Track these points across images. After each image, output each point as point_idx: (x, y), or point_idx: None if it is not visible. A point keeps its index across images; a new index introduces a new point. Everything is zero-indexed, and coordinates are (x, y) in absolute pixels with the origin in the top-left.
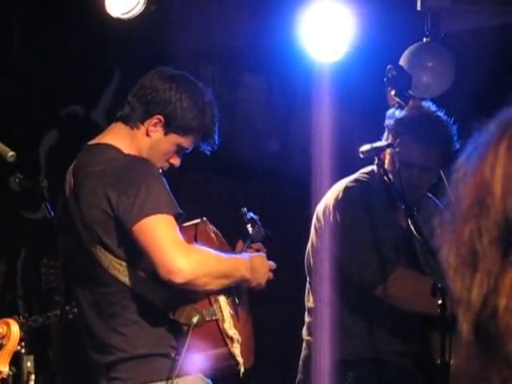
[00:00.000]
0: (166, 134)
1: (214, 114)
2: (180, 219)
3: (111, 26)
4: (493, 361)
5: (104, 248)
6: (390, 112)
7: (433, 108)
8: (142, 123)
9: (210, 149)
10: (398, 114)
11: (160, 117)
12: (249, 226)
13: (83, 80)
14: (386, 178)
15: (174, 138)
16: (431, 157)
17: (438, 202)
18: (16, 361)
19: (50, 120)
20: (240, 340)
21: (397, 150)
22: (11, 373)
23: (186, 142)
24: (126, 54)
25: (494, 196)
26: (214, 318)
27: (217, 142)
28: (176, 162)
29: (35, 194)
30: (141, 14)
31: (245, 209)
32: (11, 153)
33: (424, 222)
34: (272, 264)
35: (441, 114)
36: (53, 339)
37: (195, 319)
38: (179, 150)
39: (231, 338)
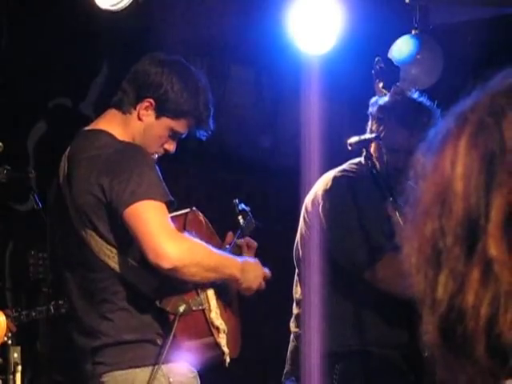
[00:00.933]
0: (157, 117)
1: (207, 98)
2: (171, 207)
3: (100, 17)
4: (460, 363)
5: (95, 233)
6: (373, 100)
7: (414, 93)
8: (134, 107)
9: (204, 134)
10: (381, 100)
11: (151, 100)
12: (240, 217)
13: (71, 72)
14: (374, 170)
15: (167, 122)
16: (416, 140)
17: None
18: (3, 352)
19: (39, 112)
20: (226, 330)
21: (381, 136)
22: None
23: (179, 125)
24: (115, 46)
25: (456, 194)
26: (200, 307)
27: (211, 127)
28: (171, 147)
29: (23, 186)
30: (129, 6)
31: (236, 200)
32: None
33: None
34: (267, 272)
35: (423, 97)
36: (40, 331)
37: (182, 308)
38: (173, 135)
39: (217, 328)
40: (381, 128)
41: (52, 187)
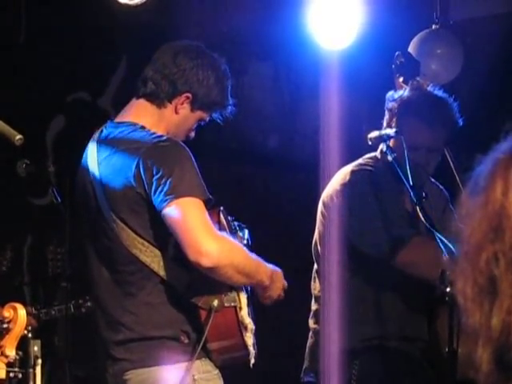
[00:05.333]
0: (192, 110)
1: (229, 85)
2: (209, 205)
3: (118, 12)
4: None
5: (127, 226)
6: (389, 94)
7: (433, 87)
8: (170, 101)
9: (221, 118)
10: (399, 95)
11: (189, 95)
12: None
13: (90, 66)
14: (396, 164)
15: (199, 114)
16: (436, 137)
17: (441, 186)
18: (23, 345)
19: (57, 106)
20: (254, 330)
21: (402, 132)
22: (18, 357)
23: (208, 115)
24: (133, 41)
25: (510, 218)
26: (232, 304)
27: (229, 111)
28: (193, 134)
29: (42, 180)
30: (148, 0)
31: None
32: (19, 136)
33: (430, 207)
34: (285, 283)
35: (441, 92)
36: (59, 326)
37: (215, 303)
38: (198, 123)
39: (246, 327)
40: (400, 124)
41: (77, 178)
